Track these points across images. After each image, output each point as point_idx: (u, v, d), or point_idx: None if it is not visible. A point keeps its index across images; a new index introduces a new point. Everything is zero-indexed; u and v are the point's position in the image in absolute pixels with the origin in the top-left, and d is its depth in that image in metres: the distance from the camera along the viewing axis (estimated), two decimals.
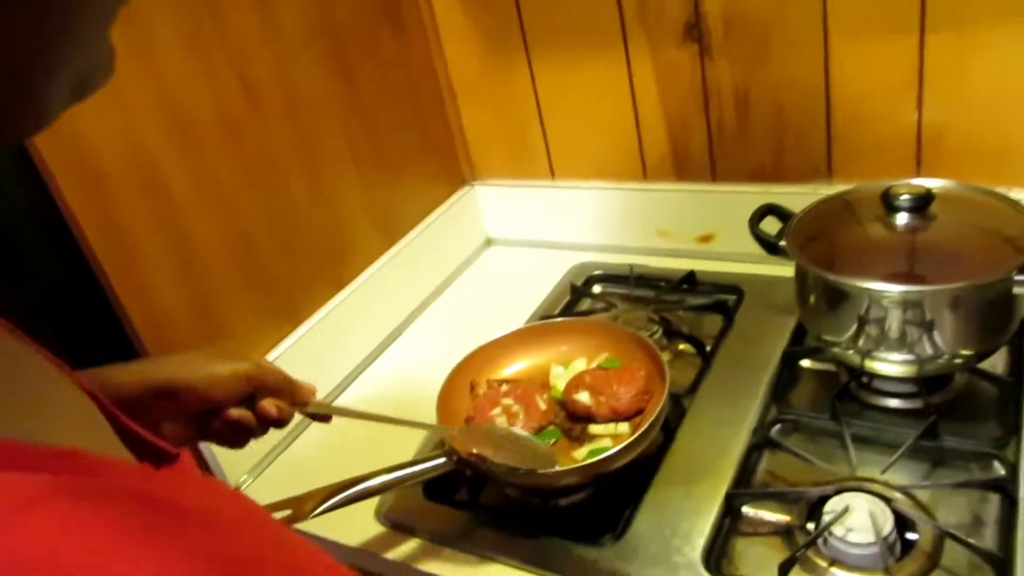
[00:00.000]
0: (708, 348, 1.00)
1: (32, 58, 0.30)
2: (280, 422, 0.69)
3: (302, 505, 0.72)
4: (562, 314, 1.15)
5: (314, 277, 1.09)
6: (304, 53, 1.01)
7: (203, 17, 0.88)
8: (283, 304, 1.04)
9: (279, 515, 0.69)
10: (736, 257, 1.15)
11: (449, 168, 1.33)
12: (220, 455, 0.95)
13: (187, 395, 0.61)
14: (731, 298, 1.10)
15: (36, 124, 0.34)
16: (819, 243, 0.89)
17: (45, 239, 0.80)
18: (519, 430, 0.85)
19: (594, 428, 0.86)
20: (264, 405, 0.67)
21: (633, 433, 0.80)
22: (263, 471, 1.00)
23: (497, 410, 0.87)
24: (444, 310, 1.26)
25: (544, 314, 1.15)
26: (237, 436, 0.67)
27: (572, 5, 1.10)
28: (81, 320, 0.85)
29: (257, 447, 0.97)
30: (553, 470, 0.78)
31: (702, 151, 1.14)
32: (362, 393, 1.11)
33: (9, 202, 0.77)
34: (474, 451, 0.79)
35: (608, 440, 0.85)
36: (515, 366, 0.98)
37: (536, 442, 0.84)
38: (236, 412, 0.65)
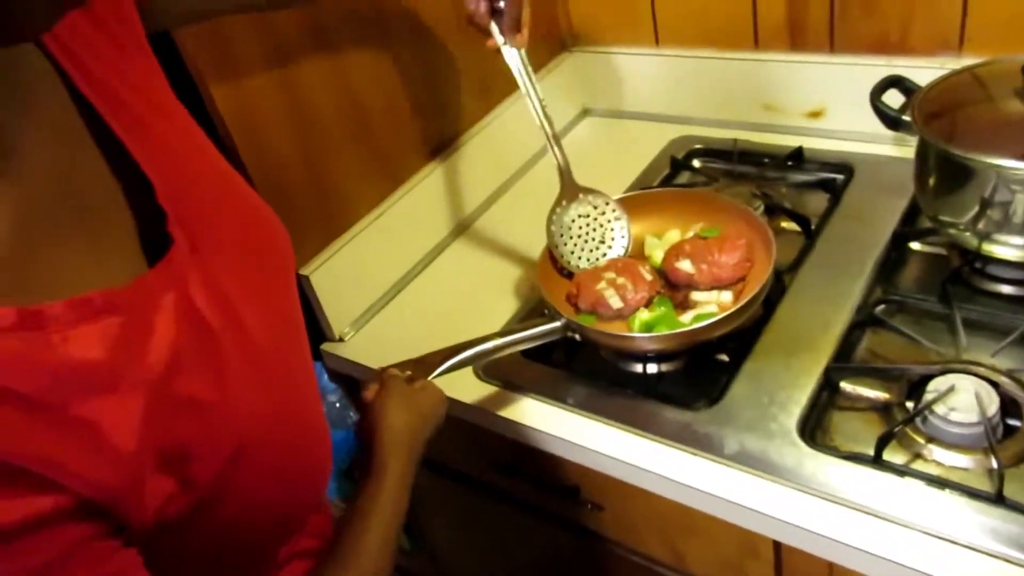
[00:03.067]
0: (813, 226, 0.98)
1: None
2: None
3: (425, 365, 0.76)
4: (661, 187, 1.13)
5: (415, 138, 1.09)
6: None
7: None
8: (385, 164, 1.06)
9: (403, 373, 0.74)
10: (846, 135, 1.11)
11: (548, 33, 1.29)
12: (327, 308, 0.99)
13: None
14: (839, 177, 1.06)
15: (32, 26, 0.41)
16: (945, 119, 0.84)
17: None
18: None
19: (696, 295, 0.86)
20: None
21: (736, 302, 0.80)
22: (364, 324, 1.04)
23: (602, 284, 0.88)
24: (537, 179, 1.26)
25: (642, 186, 1.14)
26: None
27: None
28: None
29: (358, 301, 1.02)
30: (659, 334, 0.80)
31: (822, 18, 1.07)
32: (456, 258, 1.13)
33: None
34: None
35: (714, 306, 0.85)
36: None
37: None
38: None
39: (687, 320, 0.83)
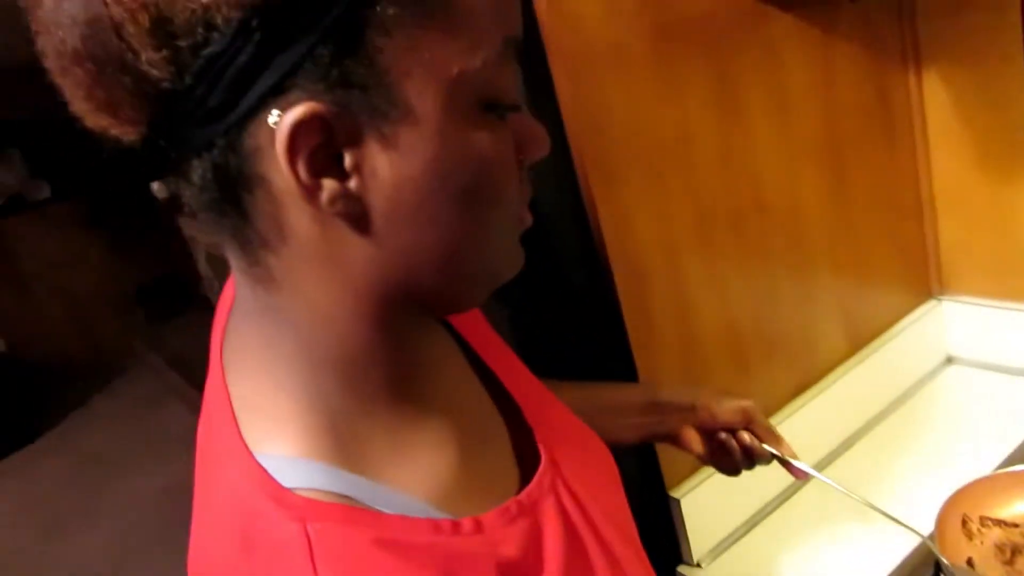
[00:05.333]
0: None
1: (462, 248, 0.43)
2: (751, 452, 0.78)
3: None
4: None
5: (780, 367, 1.12)
6: (807, 161, 1.08)
7: (734, 129, 0.99)
8: (752, 389, 1.09)
9: None
10: None
11: (917, 279, 1.29)
12: (691, 532, 1.00)
13: (704, 413, 0.78)
14: None
15: (460, 304, 0.49)
16: None
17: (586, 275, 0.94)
18: None
19: None
20: (742, 435, 0.78)
21: None
22: (722, 552, 1.03)
23: None
24: (898, 427, 1.21)
25: None
26: (724, 457, 0.79)
27: None
28: (589, 325, 0.98)
29: (717, 529, 1.02)
30: None
31: None
32: (818, 494, 1.10)
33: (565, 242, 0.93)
34: None
35: None
36: (1015, 507, 0.90)
37: None
38: (725, 435, 0.78)
39: None
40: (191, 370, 4.22)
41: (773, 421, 1.09)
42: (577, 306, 0.96)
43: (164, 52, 0.36)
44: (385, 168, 0.40)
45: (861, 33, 1.12)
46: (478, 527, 0.45)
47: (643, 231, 0.93)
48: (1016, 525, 0.88)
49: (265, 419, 0.45)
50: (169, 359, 4.56)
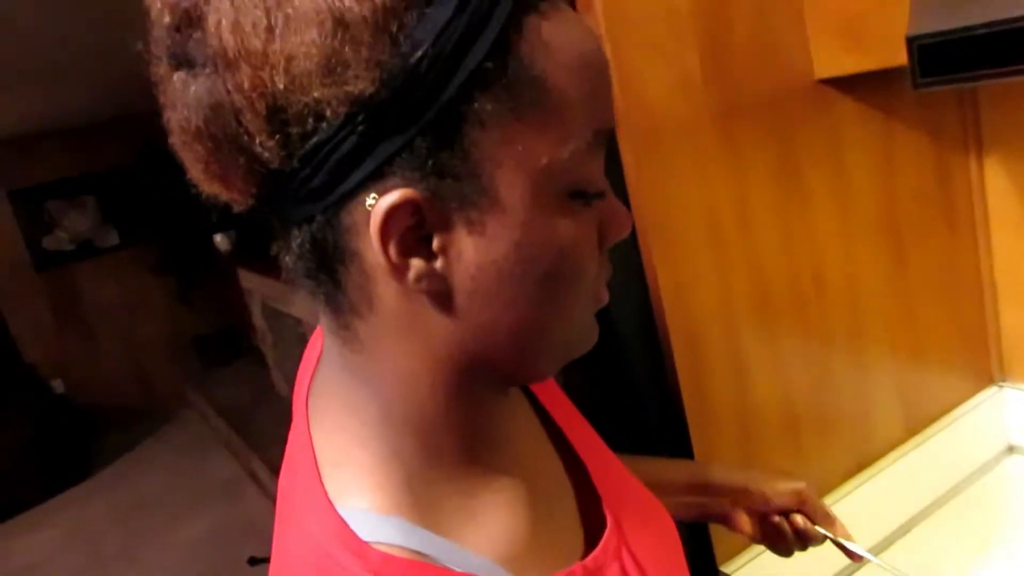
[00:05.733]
0: None
1: (541, 327, 0.45)
2: (804, 535, 0.77)
3: None
4: None
5: (836, 448, 1.11)
6: (867, 242, 1.09)
7: (795, 209, 1.01)
8: (806, 469, 1.08)
9: None
10: None
11: (978, 364, 1.27)
12: None
13: (756, 496, 0.78)
14: None
15: (534, 376, 0.51)
16: None
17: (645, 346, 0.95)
18: None
19: None
20: (795, 518, 0.77)
21: None
22: None
23: None
24: (956, 515, 1.18)
25: None
26: (777, 539, 0.78)
27: None
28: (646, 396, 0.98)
29: None
30: None
31: None
32: None
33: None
34: None
35: None
36: None
37: None
38: (778, 519, 0.78)
39: None
40: (238, 418, 4.30)
41: (827, 502, 1.09)
42: (634, 377, 0.97)
43: (277, 138, 0.40)
44: (470, 252, 0.42)
45: (923, 118, 1.13)
46: None
47: (702, 304, 0.95)
48: None
49: (345, 473, 0.47)
50: (217, 407, 4.64)
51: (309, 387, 0.54)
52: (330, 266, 0.43)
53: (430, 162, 0.40)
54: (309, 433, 0.50)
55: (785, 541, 0.78)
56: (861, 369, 1.11)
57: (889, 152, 1.10)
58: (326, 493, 0.46)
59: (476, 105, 0.39)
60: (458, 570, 0.44)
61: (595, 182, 0.45)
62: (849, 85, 1.04)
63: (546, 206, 0.42)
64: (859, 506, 1.11)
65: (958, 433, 1.22)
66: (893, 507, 1.16)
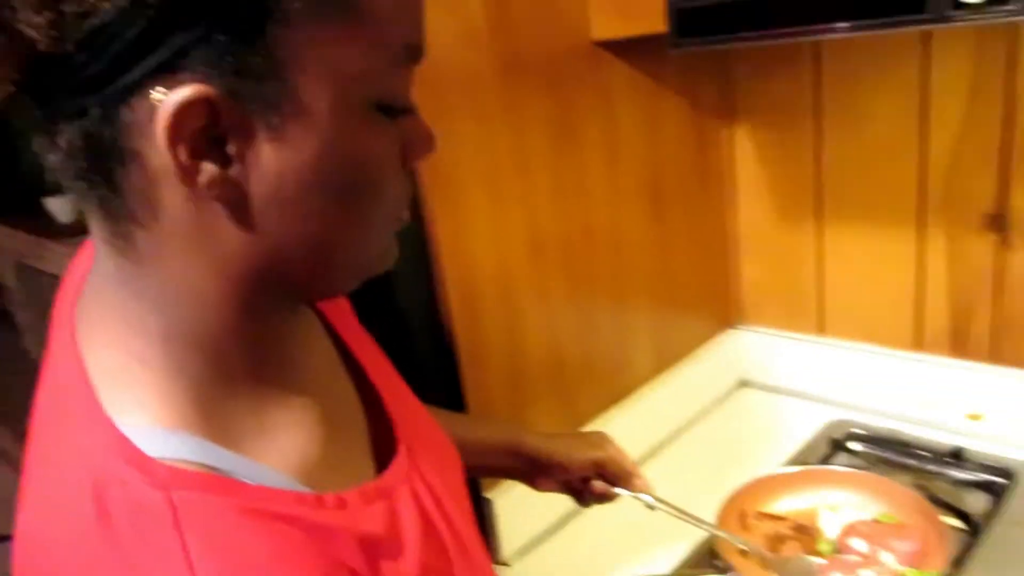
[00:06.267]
0: (978, 525, 1.01)
1: (338, 242, 0.45)
2: (602, 496, 0.87)
3: None
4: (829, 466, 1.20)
5: (597, 385, 1.22)
6: (631, 198, 1.19)
7: (569, 165, 1.08)
8: (570, 404, 1.18)
9: None
10: (1006, 441, 1.16)
11: (718, 310, 1.44)
12: (503, 529, 1.08)
13: (556, 467, 0.86)
14: (1000, 480, 1.11)
15: (328, 293, 0.52)
16: None
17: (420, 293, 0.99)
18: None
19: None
20: (594, 483, 0.87)
21: None
22: (530, 551, 1.11)
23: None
24: (695, 440, 1.35)
25: (797, 462, 1.21)
26: (579, 498, 0.89)
27: (873, 182, 1.21)
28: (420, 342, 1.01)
29: (527, 528, 1.10)
30: None
31: (983, 332, 1.18)
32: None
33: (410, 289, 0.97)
34: None
35: None
36: (782, 504, 1.05)
37: None
38: (579, 484, 0.87)
39: None
40: None
41: (598, 426, 1.19)
42: (410, 320, 1.01)
43: (45, 14, 0.35)
44: (269, 159, 0.40)
45: (685, 87, 1.25)
46: (341, 503, 0.47)
47: (480, 251, 1.00)
48: (783, 518, 1.02)
49: (125, 390, 0.43)
50: None
51: (76, 303, 0.49)
52: (105, 167, 0.39)
53: (229, 58, 0.37)
54: (78, 349, 0.46)
55: (585, 501, 0.88)
56: (620, 315, 1.23)
57: (654, 116, 1.21)
58: (102, 410, 0.42)
59: (282, 1, 0.37)
60: (252, 483, 0.43)
61: (402, 97, 0.45)
62: (622, 49, 1.12)
63: (351, 117, 0.41)
64: (615, 433, 1.23)
65: (699, 369, 1.39)
66: (645, 434, 1.30)
